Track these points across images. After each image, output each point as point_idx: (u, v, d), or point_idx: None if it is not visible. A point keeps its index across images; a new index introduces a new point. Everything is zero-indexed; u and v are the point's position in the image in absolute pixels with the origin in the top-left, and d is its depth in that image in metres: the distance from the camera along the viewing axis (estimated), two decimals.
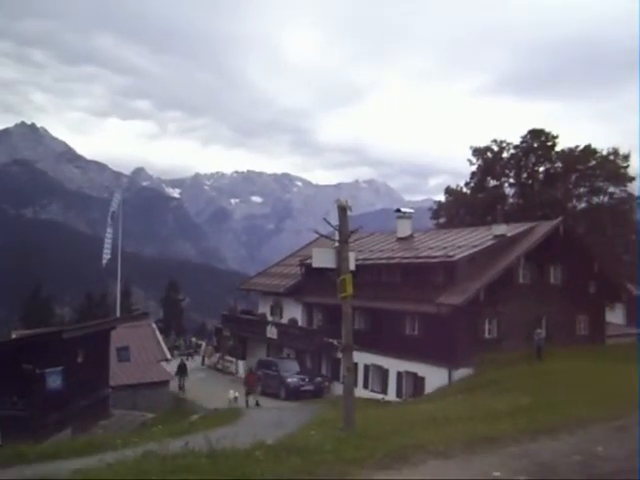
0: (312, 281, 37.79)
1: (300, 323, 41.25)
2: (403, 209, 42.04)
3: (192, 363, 47.31)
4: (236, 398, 30.65)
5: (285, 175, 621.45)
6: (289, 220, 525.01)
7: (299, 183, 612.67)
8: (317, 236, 12.99)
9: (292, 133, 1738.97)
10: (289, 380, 33.62)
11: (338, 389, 29.81)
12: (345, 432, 10.13)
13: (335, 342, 27.74)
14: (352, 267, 11.24)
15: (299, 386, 33.60)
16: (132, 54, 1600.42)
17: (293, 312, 42.18)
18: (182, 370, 37.10)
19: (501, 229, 32.97)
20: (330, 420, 16.67)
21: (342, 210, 10.87)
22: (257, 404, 30.69)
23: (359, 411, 18.48)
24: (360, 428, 10.59)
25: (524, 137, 53.23)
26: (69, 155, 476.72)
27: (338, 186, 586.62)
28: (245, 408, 28.08)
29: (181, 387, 36.52)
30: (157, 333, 39.42)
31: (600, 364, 24.51)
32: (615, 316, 42.23)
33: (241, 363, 43.84)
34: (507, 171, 54.68)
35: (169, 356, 37.78)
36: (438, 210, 58.24)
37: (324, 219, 11.27)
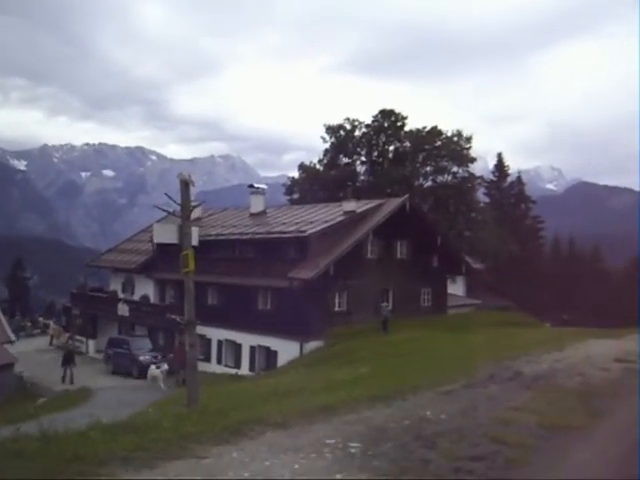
0: (164, 257, 37.07)
1: (152, 300, 40.54)
2: (256, 185, 42.22)
3: (37, 343, 45.35)
4: (156, 377, 28.93)
5: (139, 149, 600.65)
6: (143, 195, 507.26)
7: (153, 157, 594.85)
8: (171, 211, 12.49)
9: (145, 105, 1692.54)
10: (141, 358, 32.94)
11: None
12: (188, 408, 10.14)
13: (178, 318, 27.20)
14: (195, 242, 11.20)
15: (151, 364, 32.97)
16: None
17: (145, 289, 41.39)
18: (68, 359, 33.89)
19: (351, 205, 33.89)
20: (179, 397, 16.60)
21: (184, 185, 10.75)
22: (183, 382, 29.14)
23: (208, 386, 18.57)
24: (203, 404, 10.63)
25: (375, 117, 54.82)
26: None
27: (193, 161, 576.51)
28: (103, 390, 26.94)
29: (65, 378, 32.84)
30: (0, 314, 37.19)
31: (439, 334, 26.07)
32: (456, 288, 45.00)
33: (91, 342, 42.54)
34: (359, 149, 56.10)
35: (13, 338, 35.56)
36: (292, 186, 58.84)
37: (166, 194, 11.07)
